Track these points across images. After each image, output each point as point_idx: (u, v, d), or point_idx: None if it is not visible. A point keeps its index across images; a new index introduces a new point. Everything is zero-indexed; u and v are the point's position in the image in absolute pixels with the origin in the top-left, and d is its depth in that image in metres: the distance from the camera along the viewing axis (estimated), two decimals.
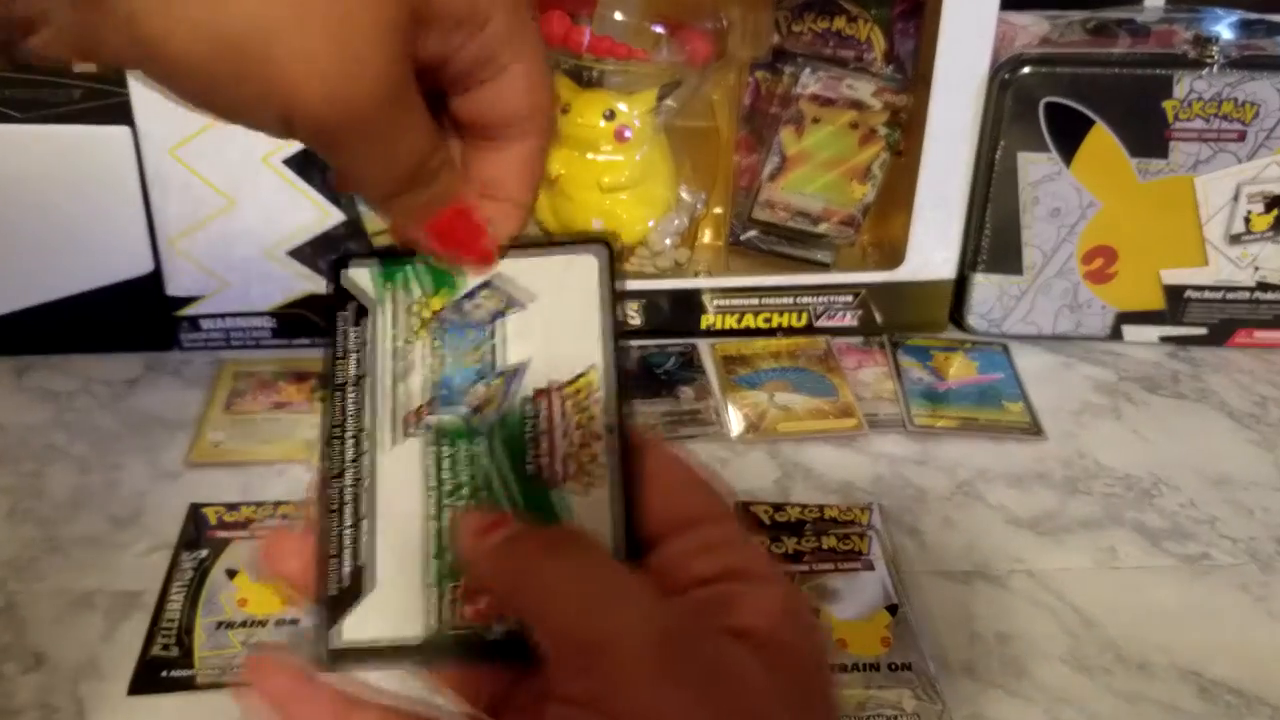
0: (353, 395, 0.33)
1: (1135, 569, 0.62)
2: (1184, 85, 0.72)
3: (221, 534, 0.62)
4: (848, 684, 0.53)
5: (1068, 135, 0.74)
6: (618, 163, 0.74)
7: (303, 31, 0.26)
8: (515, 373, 0.32)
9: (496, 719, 0.31)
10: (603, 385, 0.32)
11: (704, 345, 0.79)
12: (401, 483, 0.32)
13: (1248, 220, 0.76)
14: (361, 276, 0.34)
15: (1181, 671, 0.56)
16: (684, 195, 0.79)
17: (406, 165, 0.30)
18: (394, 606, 0.31)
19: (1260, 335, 0.80)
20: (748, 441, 0.71)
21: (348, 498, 0.32)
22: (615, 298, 0.33)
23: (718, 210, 0.83)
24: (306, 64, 0.26)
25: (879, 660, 0.55)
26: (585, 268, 0.33)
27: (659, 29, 0.74)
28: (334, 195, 0.74)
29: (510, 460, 0.31)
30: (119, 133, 0.69)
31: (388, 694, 0.31)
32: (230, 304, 0.76)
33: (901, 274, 0.79)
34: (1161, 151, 0.74)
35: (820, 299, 0.80)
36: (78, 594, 0.59)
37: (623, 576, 0.27)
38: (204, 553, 0.61)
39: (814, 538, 0.61)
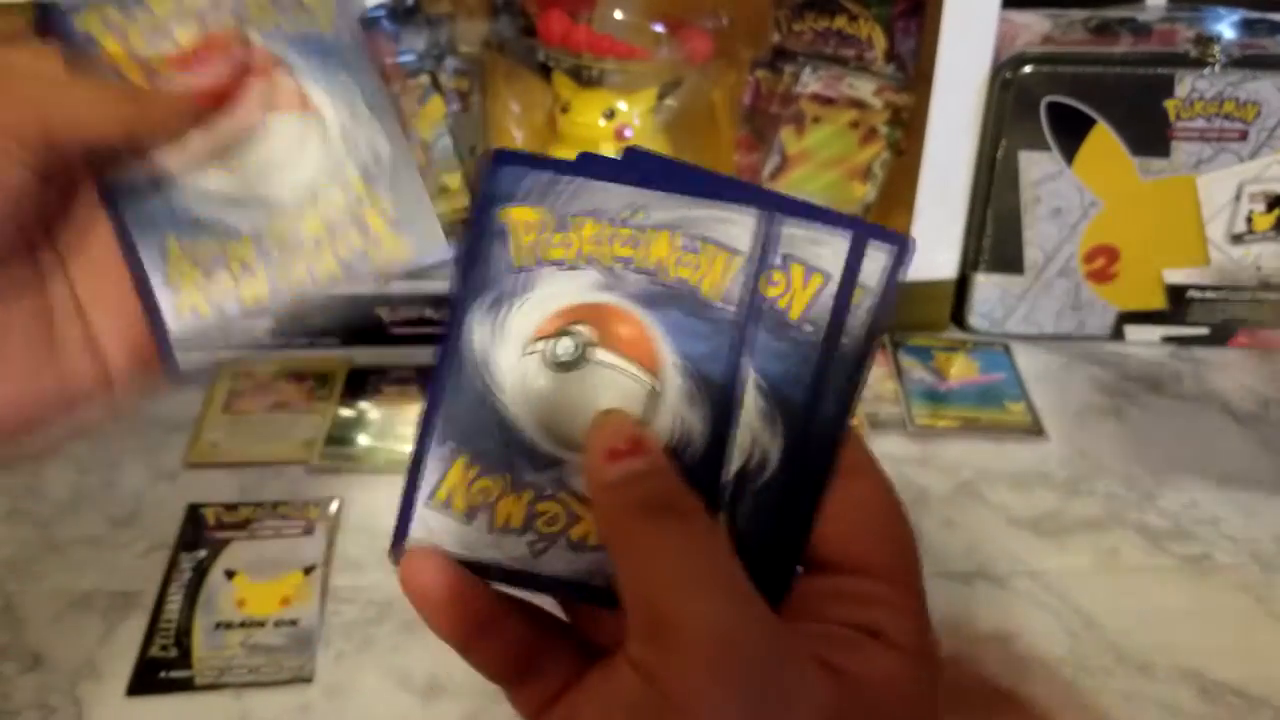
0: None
1: (1137, 569, 0.62)
2: (1186, 84, 0.72)
3: (220, 534, 0.62)
4: None
5: (1069, 134, 0.73)
6: None
7: None
8: None
9: (589, 635, 0.31)
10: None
11: None
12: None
13: (1249, 220, 0.75)
14: None
15: (1183, 672, 0.56)
16: None
17: None
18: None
19: (1262, 335, 0.80)
20: None
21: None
22: None
23: None
24: None
25: None
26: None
27: (659, 27, 0.74)
28: None
29: None
30: None
31: (528, 603, 0.31)
32: None
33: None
34: (1163, 151, 0.74)
35: None
36: (76, 594, 0.59)
37: (718, 564, 0.26)
38: (202, 553, 0.61)
39: None
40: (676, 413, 0.30)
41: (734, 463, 0.30)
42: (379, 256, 0.33)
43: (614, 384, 0.30)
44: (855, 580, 0.28)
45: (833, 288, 0.29)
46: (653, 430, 0.30)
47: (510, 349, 0.31)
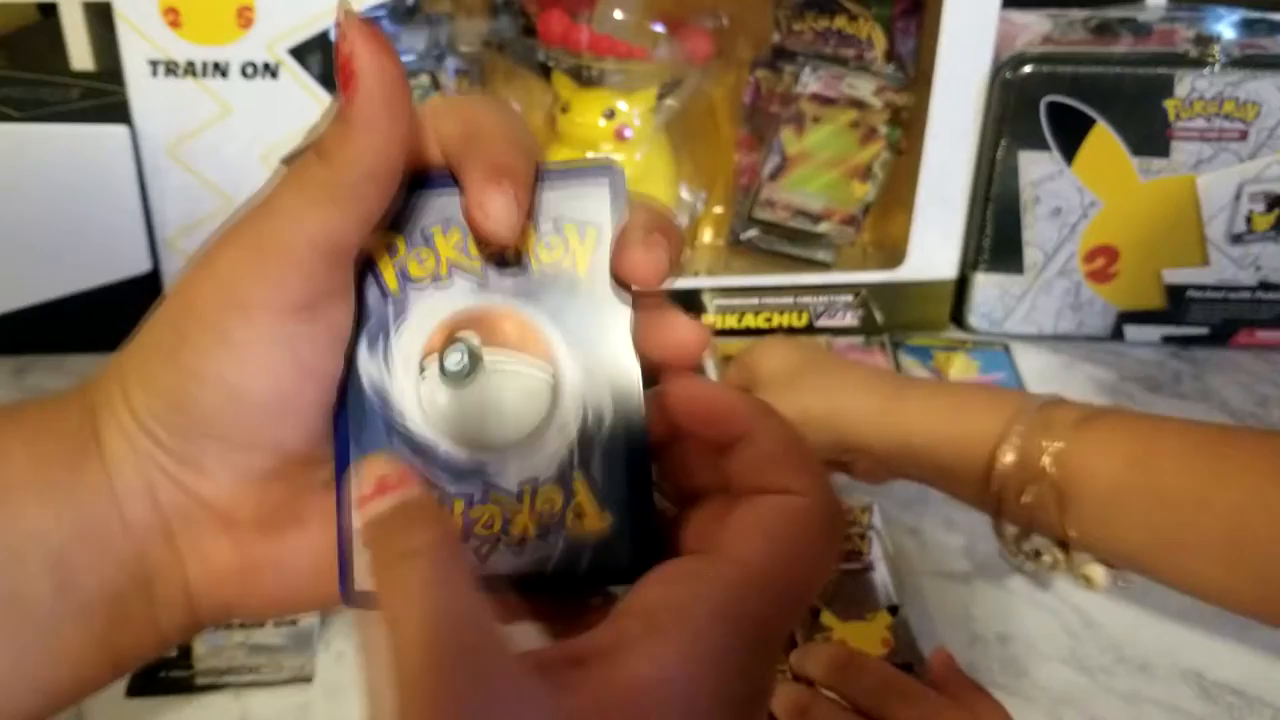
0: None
1: None
2: (1185, 84, 0.72)
3: None
4: None
5: (1069, 134, 0.73)
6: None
7: None
8: None
9: None
10: None
11: None
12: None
13: (1249, 220, 0.75)
14: None
15: (1183, 672, 0.56)
16: (684, 195, 0.79)
17: None
18: None
19: (1262, 335, 0.80)
20: None
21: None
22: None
23: (718, 210, 0.83)
24: None
25: None
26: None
27: (659, 27, 0.74)
28: None
29: None
30: (117, 132, 0.69)
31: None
32: None
33: (902, 273, 0.78)
34: (1163, 151, 0.74)
35: (821, 298, 0.79)
36: None
37: (441, 613, 0.25)
38: None
39: None
40: (581, 395, 0.30)
41: (572, 429, 0.30)
42: (576, 527, 0.30)
43: (512, 381, 0.30)
44: (746, 447, 0.28)
45: (608, 234, 0.30)
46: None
47: (403, 376, 0.31)
